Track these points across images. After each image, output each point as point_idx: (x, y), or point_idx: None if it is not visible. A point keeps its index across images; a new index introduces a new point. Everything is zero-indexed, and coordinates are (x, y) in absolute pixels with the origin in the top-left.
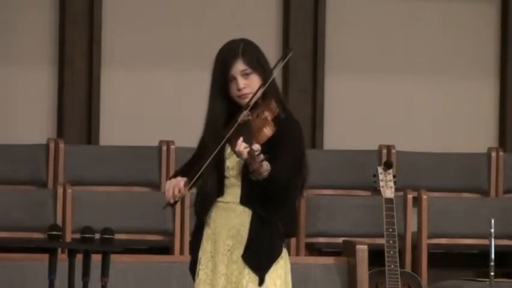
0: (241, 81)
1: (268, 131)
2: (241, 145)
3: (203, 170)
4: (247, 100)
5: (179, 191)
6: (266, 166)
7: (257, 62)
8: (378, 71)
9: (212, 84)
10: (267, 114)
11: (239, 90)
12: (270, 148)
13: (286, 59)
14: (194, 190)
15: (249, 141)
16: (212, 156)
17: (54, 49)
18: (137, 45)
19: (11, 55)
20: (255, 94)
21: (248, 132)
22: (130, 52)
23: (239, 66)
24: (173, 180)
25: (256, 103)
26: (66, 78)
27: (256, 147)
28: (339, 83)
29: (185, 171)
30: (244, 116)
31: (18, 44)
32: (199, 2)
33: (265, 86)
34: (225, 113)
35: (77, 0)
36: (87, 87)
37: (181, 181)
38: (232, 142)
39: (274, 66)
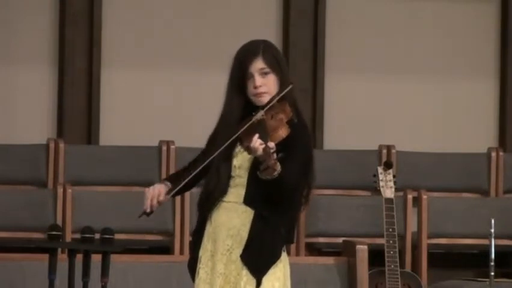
0: (259, 80)
1: (283, 133)
2: (257, 141)
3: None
4: (262, 99)
5: (158, 202)
6: (278, 166)
7: (276, 62)
8: (378, 71)
9: (230, 81)
10: (282, 116)
11: (255, 88)
12: (281, 150)
13: (285, 91)
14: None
15: (264, 139)
16: (216, 154)
17: (54, 49)
18: (137, 45)
19: (11, 55)
20: (274, 97)
21: (263, 131)
22: (130, 52)
23: (258, 64)
24: (154, 189)
25: (269, 103)
26: (66, 78)
27: (272, 144)
28: (339, 83)
29: (183, 171)
30: (258, 115)
31: (18, 44)
32: (200, 2)
33: (285, 91)
34: (240, 111)
35: (77, 0)
36: (87, 87)
37: (162, 191)
38: (246, 139)
39: (274, 98)
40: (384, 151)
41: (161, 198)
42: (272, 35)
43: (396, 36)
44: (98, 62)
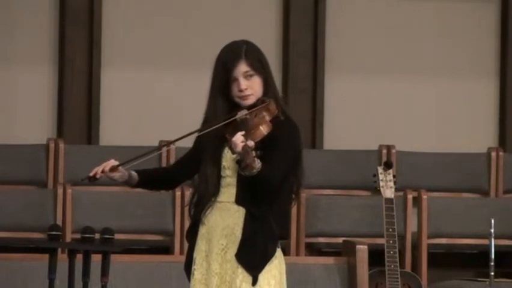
0: (243, 83)
1: (264, 130)
2: (239, 138)
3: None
4: (248, 101)
5: (103, 172)
6: (258, 163)
7: (259, 63)
8: (378, 71)
9: (213, 83)
10: (265, 114)
11: (240, 91)
12: (264, 147)
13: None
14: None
15: (244, 137)
16: (188, 134)
17: (54, 49)
18: (137, 45)
19: (11, 55)
20: (261, 105)
21: (245, 129)
22: (130, 52)
23: (242, 67)
24: (107, 161)
25: (255, 104)
26: (66, 78)
27: (251, 143)
28: (339, 83)
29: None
30: (242, 115)
31: (18, 44)
32: (200, 2)
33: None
34: (225, 113)
35: (77, 0)
36: (87, 87)
37: (111, 163)
38: (230, 138)
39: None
40: (384, 151)
41: (107, 169)
42: (272, 35)
43: (396, 36)
44: (98, 62)
